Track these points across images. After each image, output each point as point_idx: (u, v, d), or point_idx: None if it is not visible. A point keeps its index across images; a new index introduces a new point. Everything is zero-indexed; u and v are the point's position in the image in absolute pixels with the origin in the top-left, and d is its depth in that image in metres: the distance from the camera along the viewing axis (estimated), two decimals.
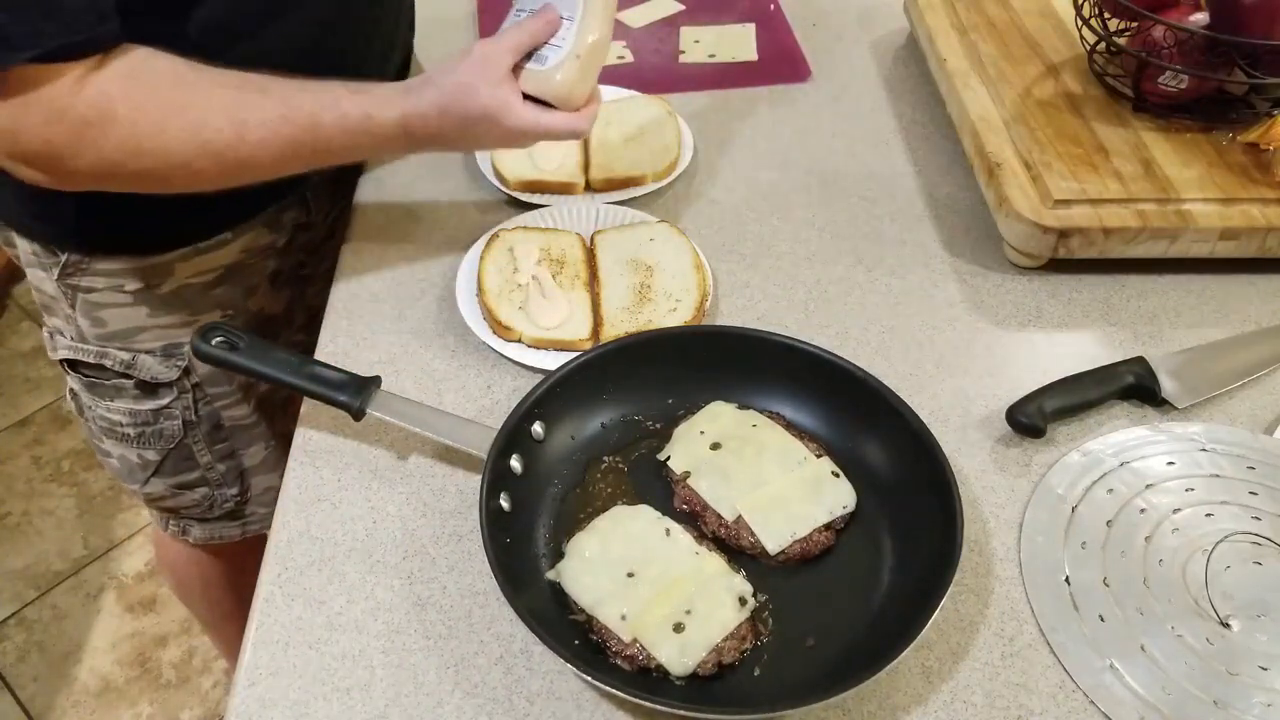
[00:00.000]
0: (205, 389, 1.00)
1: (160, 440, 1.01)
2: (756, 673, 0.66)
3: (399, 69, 1.05)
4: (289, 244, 1.00)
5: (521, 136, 0.83)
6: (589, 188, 1.01)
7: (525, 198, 1.00)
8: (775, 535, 0.71)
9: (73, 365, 0.99)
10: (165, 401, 0.99)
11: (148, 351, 0.96)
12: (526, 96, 0.81)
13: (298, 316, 1.07)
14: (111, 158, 0.72)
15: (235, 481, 1.09)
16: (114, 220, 0.88)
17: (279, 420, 1.10)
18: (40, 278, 0.94)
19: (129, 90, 0.70)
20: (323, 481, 0.77)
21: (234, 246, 0.95)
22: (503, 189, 1.00)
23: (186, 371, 0.98)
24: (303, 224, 1.01)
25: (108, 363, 0.96)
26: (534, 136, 0.84)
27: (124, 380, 0.97)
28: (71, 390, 1.03)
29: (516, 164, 1.01)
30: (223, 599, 1.30)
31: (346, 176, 1.04)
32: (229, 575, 1.26)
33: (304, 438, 0.80)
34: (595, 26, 0.81)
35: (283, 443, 1.13)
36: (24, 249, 0.93)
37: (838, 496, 0.73)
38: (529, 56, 0.82)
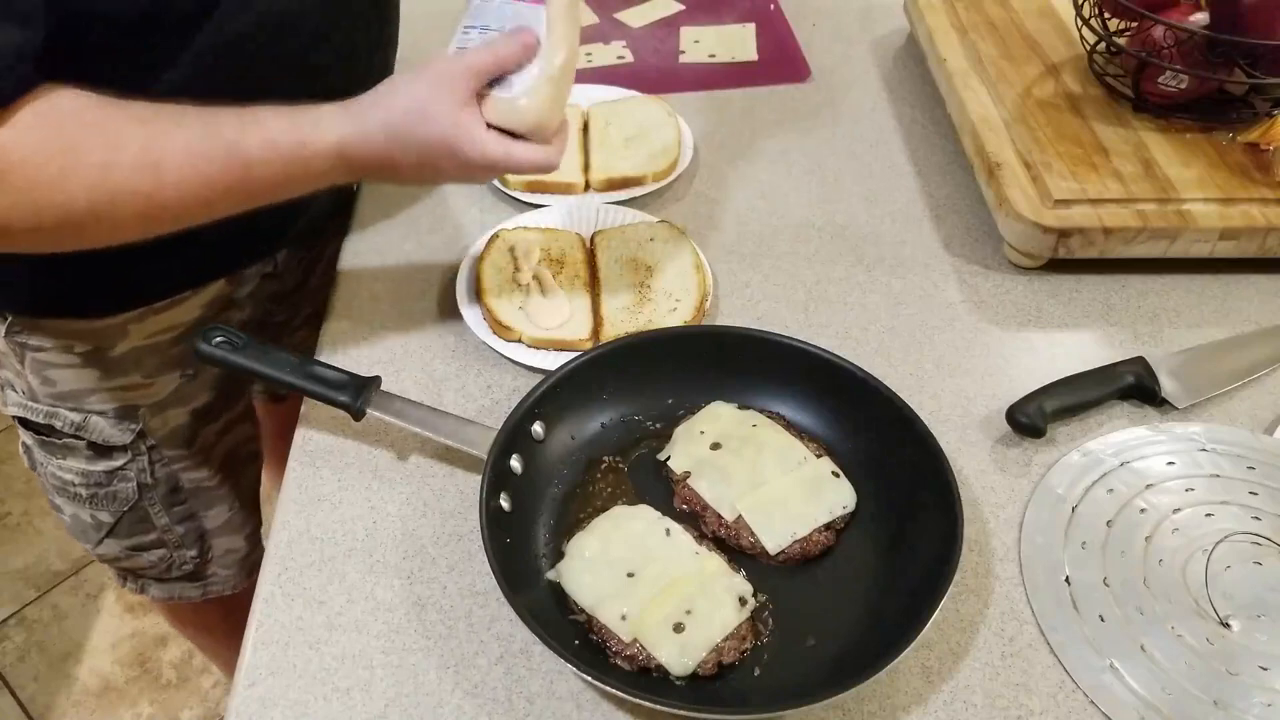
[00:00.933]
0: (163, 450, 0.95)
1: (114, 503, 0.97)
2: (756, 673, 0.66)
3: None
4: (253, 293, 0.95)
5: (484, 170, 0.74)
6: (589, 188, 1.01)
7: (525, 198, 1.00)
8: (775, 535, 0.71)
9: (24, 422, 0.94)
10: (119, 463, 0.94)
11: (100, 413, 0.91)
12: (489, 125, 0.73)
13: None
14: (10, 215, 0.62)
15: (194, 544, 1.04)
16: (58, 283, 0.82)
17: (244, 480, 1.05)
18: None
19: (25, 139, 0.61)
20: (323, 481, 0.77)
21: (193, 303, 0.89)
22: (503, 189, 1.00)
23: (142, 434, 0.93)
24: (269, 274, 0.97)
25: (57, 423, 0.91)
26: (499, 170, 0.75)
27: (75, 440, 0.92)
28: (24, 444, 0.97)
29: None
30: (215, 626, 1.26)
31: (322, 234, 1.00)
32: (220, 610, 1.19)
33: (304, 438, 0.80)
34: (563, 45, 0.73)
35: (248, 503, 1.10)
36: None
37: (838, 496, 0.73)
38: (493, 82, 0.73)
